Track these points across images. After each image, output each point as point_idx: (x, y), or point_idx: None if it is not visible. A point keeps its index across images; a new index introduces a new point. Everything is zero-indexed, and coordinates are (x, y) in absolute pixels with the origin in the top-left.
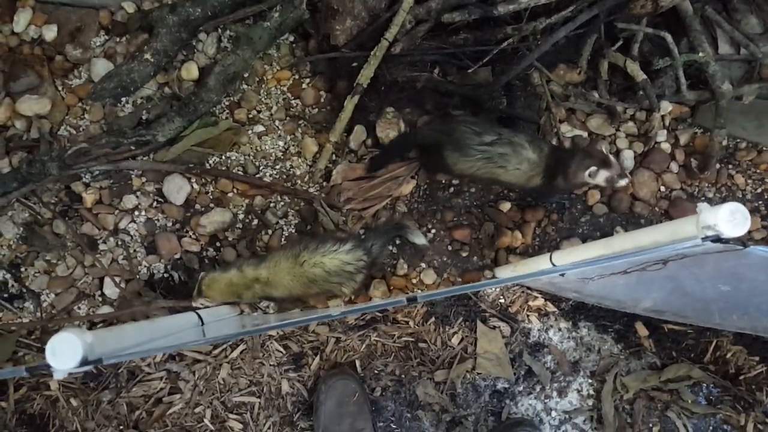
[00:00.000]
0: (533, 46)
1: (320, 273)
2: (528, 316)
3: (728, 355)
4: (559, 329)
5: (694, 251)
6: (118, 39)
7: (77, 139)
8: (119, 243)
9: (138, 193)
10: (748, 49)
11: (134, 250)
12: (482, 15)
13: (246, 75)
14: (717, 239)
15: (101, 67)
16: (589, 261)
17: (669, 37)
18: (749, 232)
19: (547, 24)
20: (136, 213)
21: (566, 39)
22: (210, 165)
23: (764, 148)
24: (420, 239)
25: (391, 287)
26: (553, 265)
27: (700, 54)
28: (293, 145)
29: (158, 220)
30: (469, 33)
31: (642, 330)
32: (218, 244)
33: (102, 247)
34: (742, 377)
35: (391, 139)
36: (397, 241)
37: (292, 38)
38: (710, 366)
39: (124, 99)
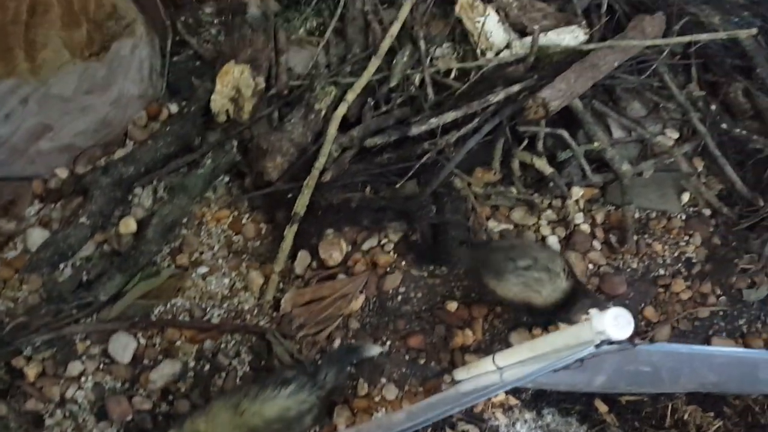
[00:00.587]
0: (450, 157)
1: (259, 423)
2: (493, 413)
3: (686, 416)
4: (525, 421)
5: (594, 352)
6: (52, 206)
7: (16, 312)
8: (67, 414)
9: (83, 358)
10: (637, 132)
11: (83, 420)
12: (400, 136)
13: (185, 221)
14: (609, 342)
15: (37, 236)
16: (523, 365)
17: (565, 134)
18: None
19: (458, 136)
20: (83, 379)
21: (478, 145)
22: (155, 316)
23: (672, 215)
24: (375, 350)
25: (355, 410)
26: (497, 366)
27: (596, 143)
28: (239, 281)
29: (106, 382)
30: (391, 152)
31: (602, 406)
32: (171, 397)
33: (48, 422)
34: None
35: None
36: (354, 362)
37: (227, 179)
38: (672, 430)
39: (62, 265)
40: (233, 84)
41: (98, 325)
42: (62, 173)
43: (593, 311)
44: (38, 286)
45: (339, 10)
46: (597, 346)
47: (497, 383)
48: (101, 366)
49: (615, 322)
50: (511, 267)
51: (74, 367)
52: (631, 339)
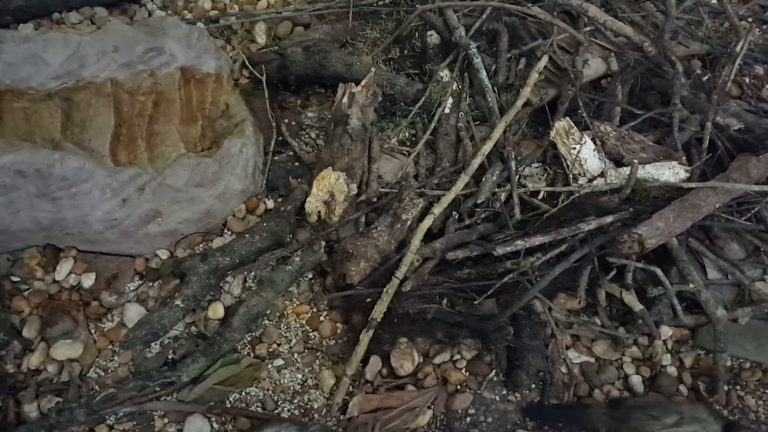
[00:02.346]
0: (533, 280)
1: None
2: None
3: None
4: None
5: None
6: (150, 284)
7: (105, 381)
8: None
9: None
10: (734, 275)
11: None
12: (483, 252)
13: (268, 312)
14: None
15: (134, 311)
16: None
17: (659, 272)
18: None
19: (543, 260)
20: None
21: (564, 270)
22: (230, 402)
23: None
24: None
25: None
26: None
27: (691, 285)
28: (311, 378)
29: None
30: (472, 268)
31: None
32: None
33: None
34: None
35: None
36: None
37: (310, 275)
38: None
39: (153, 343)
40: (328, 189)
41: (177, 405)
42: (163, 254)
43: None
44: (129, 359)
45: (432, 124)
46: None
47: None
48: None
49: None
50: (658, 426)
51: None
52: None
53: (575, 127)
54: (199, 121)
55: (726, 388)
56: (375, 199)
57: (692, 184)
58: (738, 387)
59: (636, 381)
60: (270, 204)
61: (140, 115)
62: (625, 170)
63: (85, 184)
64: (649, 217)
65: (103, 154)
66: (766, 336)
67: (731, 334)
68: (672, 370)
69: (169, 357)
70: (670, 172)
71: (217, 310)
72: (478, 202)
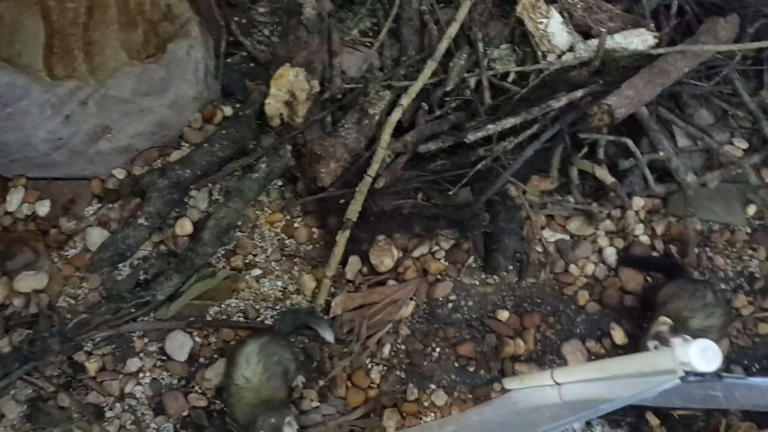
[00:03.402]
0: (506, 164)
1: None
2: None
3: None
4: (574, 430)
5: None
6: (110, 206)
7: (77, 309)
8: (126, 408)
9: (141, 355)
10: (703, 141)
11: (142, 414)
12: (455, 142)
13: (239, 223)
14: (694, 373)
15: (96, 235)
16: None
17: (630, 142)
18: (737, 308)
19: (515, 143)
20: (141, 375)
21: (535, 152)
22: (211, 316)
23: (736, 228)
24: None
25: (404, 414)
26: (555, 382)
27: (661, 153)
28: (291, 284)
29: (163, 379)
30: (445, 158)
31: (653, 420)
32: (225, 395)
33: (109, 414)
34: None
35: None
36: (403, 367)
37: (280, 183)
38: None
39: (120, 264)
40: (288, 87)
41: (155, 323)
42: (120, 174)
43: (676, 341)
44: (98, 284)
45: (394, 10)
46: (682, 379)
47: (555, 400)
48: (158, 363)
49: (702, 355)
50: None
51: (133, 364)
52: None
53: (542, 0)
54: (140, 26)
55: (696, 250)
56: (340, 96)
57: (661, 50)
58: (708, 249)
59: (610, 252)
60: (228, 111)
61: (73, 24)
62: (594, 42)
63: (20, 102)
64: (619, 87)
65: (38, 69)
66: (734, 198)
67: (701, 199)
68: (645, 239)
69: (141, 278)
70: (639, 40)
71: (184, 226)
72: (447, 89)
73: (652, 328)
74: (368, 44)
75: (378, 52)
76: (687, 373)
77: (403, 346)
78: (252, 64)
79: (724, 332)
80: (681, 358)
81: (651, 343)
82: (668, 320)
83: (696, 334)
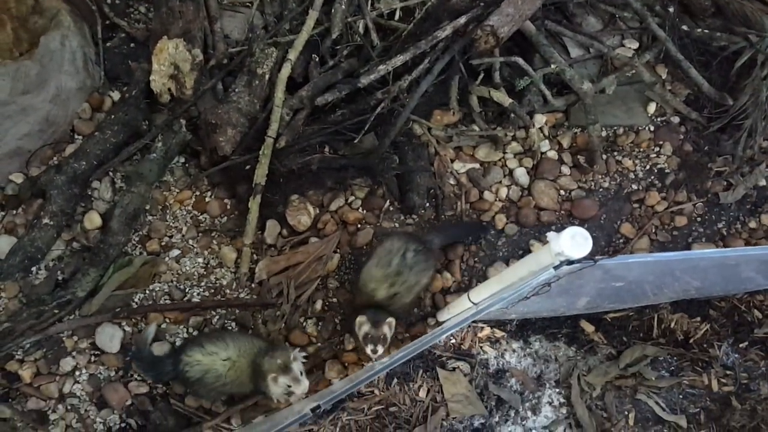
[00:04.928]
0: (405, 103)
1: None
2: (481, 348)
3: (672, 325)
4: (513, 350)
5: (556, 275)
6: (14, 212)
7: None
8: (69, 408)
9: (73, 353)
10: (594, 47)
11: (85, 411)
12: (351, 89)
13: (148, 207)
14: (569, 262)
15: (4, 243)
16: (491, 298)
17: (520, 60)
18: (652, 206)
19: (410, 80)
20: (77, 373)
21: (434, 86)
22: (136, 303)
23: (639, 128)
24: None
25: (345, 363)
26: (472, 302)
27: (553, 66)
28: (213, 258)
29: (100, 373)
30: (345, 108)
31: (588, 326)
32: None
33: (52, 417)
34: (691, 341)
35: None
36: (337, 319)
37: (183, 159)
38: (660, 340)
39: (34, 268)
40: (170, 61)
41: (81, 320)
42: (17, 178)
43: (550, 234)
44: (16, 291)
45: None
46: (556, 267)
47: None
48: (92, 358)
49: (572, 242)
50: None
51: (66, 363)
52: (591, 256)
53: None
54: (8, 24)
55: (604, 156)
56: (226, 61)
57: None
58: (615, 153)
59: (520, 173)
60: (116, 96)
61: None
62: None
63: None
64: (498, 6)
65: None
66: (633, 99)
67: (601, 105)
68: (552, 154)
69: (59, 278)
70: None
71: (93, 219)
72: (334, 37)
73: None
74: (248, 4)
75: (259, 11)
76: (561, 262)
77: (334, 299)
78: (132, 45)
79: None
80: (554, 248)
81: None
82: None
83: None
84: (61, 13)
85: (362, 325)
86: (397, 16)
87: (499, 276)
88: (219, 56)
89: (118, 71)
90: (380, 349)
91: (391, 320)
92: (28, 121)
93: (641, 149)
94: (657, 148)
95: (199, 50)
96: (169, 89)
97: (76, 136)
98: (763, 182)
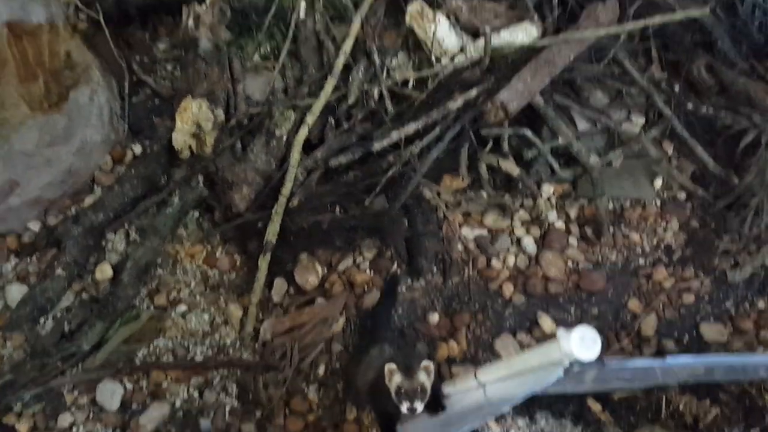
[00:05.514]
0: (416, 167)
1: None
2: (486, 423)
3: (681, 407)
4: (519, 428)
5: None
6: (28, 259)
7: (2, 370)
8: None
9: (72, 409)
10: (601, 121)
11: None
12: (364, 152)
13: (159, 260)
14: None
15: (16, 291)
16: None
17: (529, 133)
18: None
19: (421, 146)
20: (74, 430)
21: (444, 152)
22: (139, 360)
23: (646, 202)
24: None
25: None
26: (479, 383)
27: (561, 139)
28: (218, 316)
29: (98, 430)
30: (357, 170)
31: (595, 405)
32: None
33: None
34: (700, 425)
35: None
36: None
37: (197, 214)
38: (669, 422)
39: (42, 318)
40: (193, 119)
41: (84, 375)
42: (35, 226)
43: (560, 332)
44: (22, 341)
45: (291, 32)
46: (565, 371)
47: (481, 400)
48: (91, 415)
49: (581, 344)
50: None
51: (64, 419)
52: (600, 357)
53: (428, 7)
54: (40, 77)
55: (611, 229)
56: (246, 121)
57: (545, 41)
58: (622, 226)
59: (528, 242)
60: (138, 149)
61: None
62: (483, 42)
63: None
64: (509, 81)
65: None
66: (640, 172)
67: (609, 178)
68: (560, 225)
69: (66, 329)
70: (524, 34)
71: (104, 271)
72: (350, 103)
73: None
74: (270, 67)
75: (280, 74)
76: (571, 363)
77: (338, 364)
78: (157, 101)
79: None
80: (564, 348)
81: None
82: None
83: None
84: (92, 68)
85: (393, 375)
86: (410, 85)
87: (509, 361)
88: (240, 116)
89: (142, 125)
90: (418, 406)
91: (428, 364)
92: (51, 172)
93: (648, 223)
94: (664, 223)
95: (221, 110)
96: (190, 146)
97: (95, 187)
98: None
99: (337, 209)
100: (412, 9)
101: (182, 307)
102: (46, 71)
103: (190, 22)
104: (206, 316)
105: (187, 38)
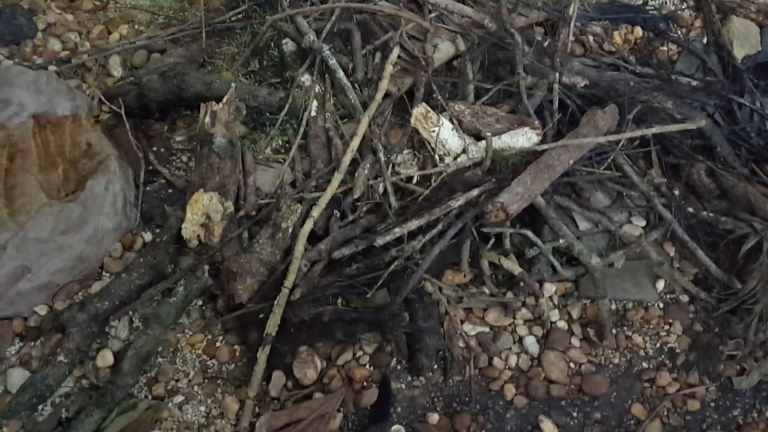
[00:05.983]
0: (419, 262)
1: None
2: None
3: None
4: None
5: None
6: (32, 344)
7: None
8: None
9: None
10: (602, 223)
11: None
12: (367, 245)
13: (159, 350)
14: None
15: (17, 376)
16: None
17: (530, 233)
18: (663, 387)
19: (424, 242)
20: None
21: (446, 247)
22: None
23: (649, 304)
24: None
25: None
26: None
27: (562, 240)
28: (215, 408)
29: None
30: (360, 262)
31: None
32: None
33: None
34: None
35: None
36: None
37: (200, 302)
38: None
39: (41, 406)
40: (203, 211)
41: None
42: (41, 311)
43: None
44: (19, 428)
45: (302, 129)
46: None
47: None
48: None
49: None
50: None
51: None
52: None
53: (432, 111)
54: (60, 166)
55: (614, 331)
56: (254, 213)
57: (544, 146)
58: (625, 328)
59: (530, 342)
60: (148, 237)
61: None
62: (484, 143)
63: None
64: (509, 184)
65: None
66: (642, 273)
67: (611, 279)
68: (562, 324)
69: (63, 416)
70: (524, 138)
71: (106, 358)
72: (356, 197)
73: None
74: (281, 161)
75: (290, 168)
76: None
77: None
78: (170, 191)
79: None
80: None
81: None
82: None
83: None
84: (110, 159)
85: None
86: (415, 180)
87: None
88: (249, 208)
89: (154, 213)
90: None
91: None
92: (63, 258)
93: (651, 326)
94: (667, 326)
95: (231, 202)
96: (198, 236)
97: (104, 273)
98: None
99: (339, 301)
100: (416, 112)
101: (179, 398)
102: (66, 160)
103: (207, 119)
104: (202, 408)
105: (203, 133)
